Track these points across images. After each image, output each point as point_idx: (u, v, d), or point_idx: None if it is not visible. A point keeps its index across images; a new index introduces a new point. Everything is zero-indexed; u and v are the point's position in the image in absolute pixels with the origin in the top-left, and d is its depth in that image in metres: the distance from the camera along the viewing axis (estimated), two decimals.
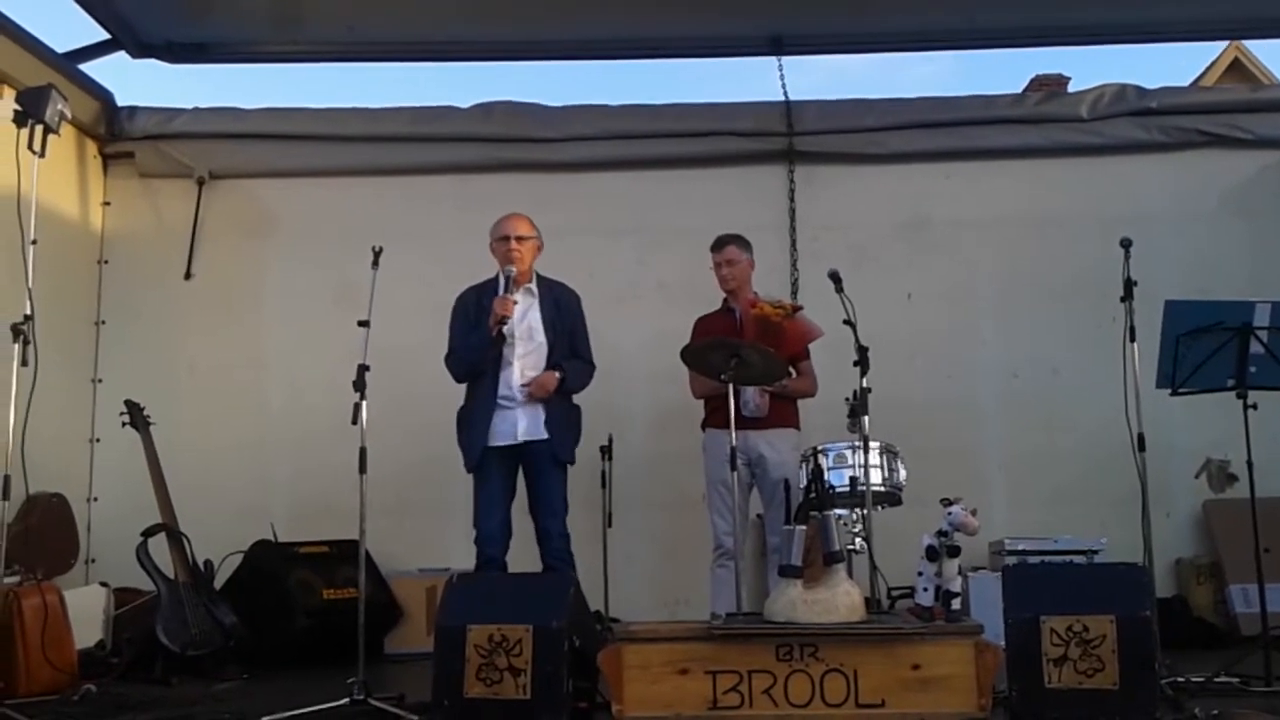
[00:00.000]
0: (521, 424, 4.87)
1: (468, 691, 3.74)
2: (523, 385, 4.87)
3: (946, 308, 6.53)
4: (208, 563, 5.41)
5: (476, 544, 4.86)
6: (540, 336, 4.96)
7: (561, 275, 5.18)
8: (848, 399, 4.70)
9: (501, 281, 4.91)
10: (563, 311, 5.05)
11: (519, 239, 4.96)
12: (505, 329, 4.86)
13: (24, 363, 4.32)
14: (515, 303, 4.88)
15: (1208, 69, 13.48)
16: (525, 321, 4.96)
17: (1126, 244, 4.54)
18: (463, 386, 5.05)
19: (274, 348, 6.67)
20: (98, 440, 6.46)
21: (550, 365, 4.94)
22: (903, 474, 4.83)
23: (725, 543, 5.05)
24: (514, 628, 3.75)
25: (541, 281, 5.08)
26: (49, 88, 4.64)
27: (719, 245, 5.34)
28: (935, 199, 6.65)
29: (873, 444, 4.66)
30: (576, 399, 5.08)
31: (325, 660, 5.07)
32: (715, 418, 5.15)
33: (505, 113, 6.86)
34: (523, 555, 4.93)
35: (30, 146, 4.50)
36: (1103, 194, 6.49)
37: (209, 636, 5.17)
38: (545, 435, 4.87)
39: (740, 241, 5.34)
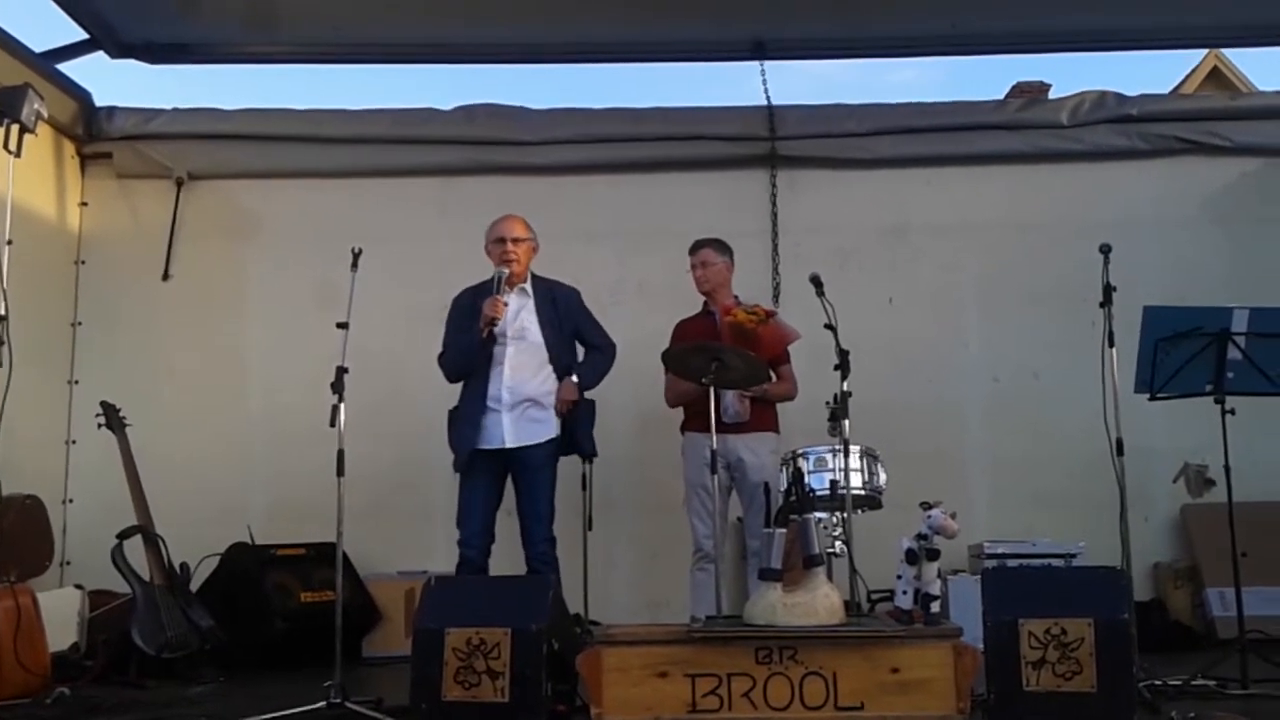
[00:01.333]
0: (508, 429, 4.85)
1: (446, 695, 3.73)
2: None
3: (928, 312, 6.55)
4: (184, 565, 5.38)
5: (458, 545, 4.84)
6: (534, 337, 4.94)
7: None
8: (828, 403, 4.71)
9: (495, 283, 4.89)
10: (561, 310, 5.04)
11: (514, 240, 4.95)
12: (496, 330, 4.85)
13: None
14: (506, 304, 4.87)
15: (1187, 77, 13.55)
16: (518, 322, 4.94)
17: (1106, 250, 4.56)
18: (443, 389, 5.03)
19: (252, 349, 6.63)
20: (73, 442, 6.40)
21: (553, 364, 4.94)
22: (883, 477, 4.83)
23: (705, 546, 5.05)
24: (492, 630, 3.74)
25: (538, 282, 5.07)
26: (25, 87, 4.62)
27: (695, 248, 5.36)
28: (917, 204, 6.67)
29: (853, 447, 4.65)
30: (593, 391, 5.08)
31: (302, 663, 5.05)
32: (694, 421, 5.15)
33: (487, 115, 6.84)
34: (507, 557, 4.92)
35: (6, 146, 4.50)
36: (1083, 200, 6.52)
37: (185, 639, 5.13)
38: (532, 441, 4.86)
39: (717, 245, 5.34)
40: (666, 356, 4.91)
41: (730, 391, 5.02)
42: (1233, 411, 4.45)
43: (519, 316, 4.95)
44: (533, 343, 4.94)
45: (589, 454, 5.13)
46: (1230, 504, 4.46)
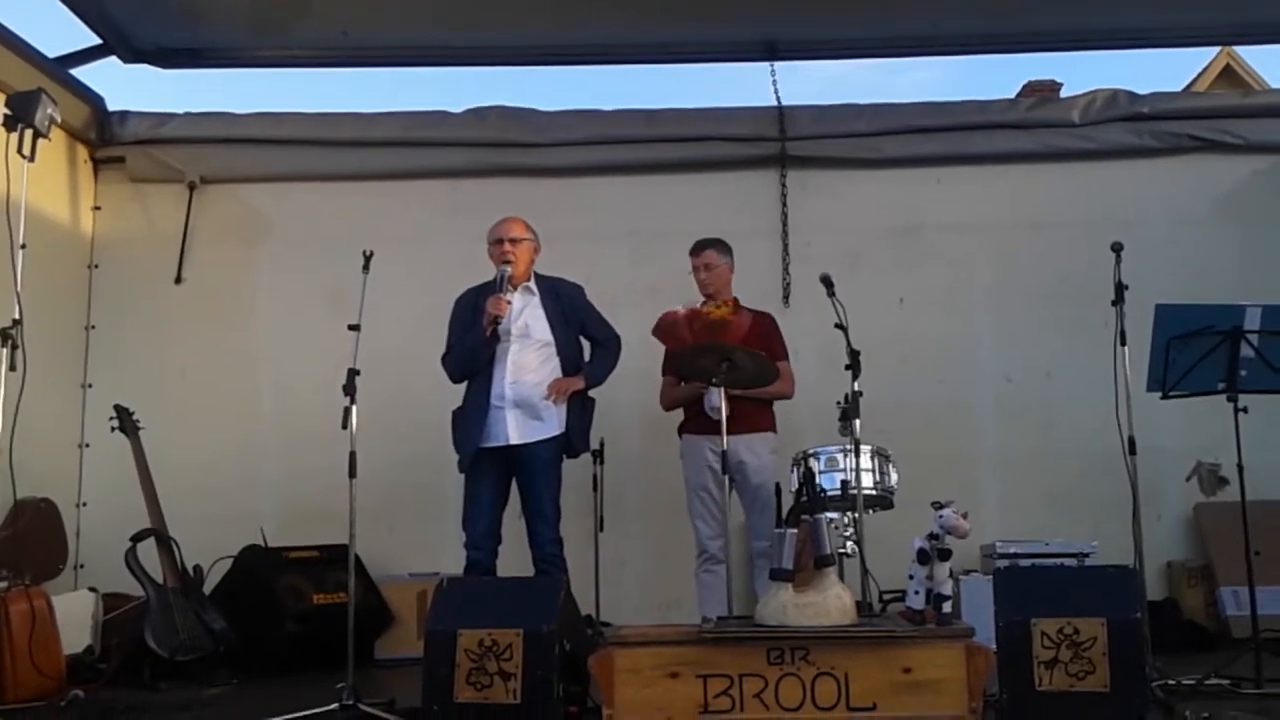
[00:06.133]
0: (512, 426, 4.85)
1: (458, 696, 3.73)
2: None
3: (939, 312, 6.54)
4: (197, 568, 5.40)
5: (465, 548, 4.84)
6: (542, 335, 4.94)
7: None
8: (839, 402, 4.70)
9: (497, 282, 4.91)
10: (566, 306, 5.05)
11: (513, 241, 4.96)
12: (500, 329, 4.85)
13: (12, 367, 4.32)
14: (509, 303, 4.87)
15: (1199, 75, 13.51)
16: (521, 320, 4.94)
17: (1118, 248, 4.57)
18: (454, 390, 5.04)
19: (264, 352, 6.65)
20: (87, 445, 6.43)
21: (561, 360, 4.95)
22: (894, 477, 4.82)
23: (709, 547, 5.05)
24: (504, 632, 3.75)
25: (541, 280, 5.08)
26: (39, 92, 4.64)
27: (697, 249, 5.32)
28: (928, 204, 6.67)
29: (864, 447, 4.66)
30: (604, 393, 5.10)
31: (315, 665, 5.08)
32: (691, 424, 5.15)
33: (498, 117, 6.85)
34: (517, 558, 4.92)
35: (20, 151, 4.51)
36: (1095, 199, 6.51)
37: (198, 642, 5.14)
38: (536, 438, 4.86)
39: (719, 245, 5.32)
40: (675, 357, 4.90)
41: (715, 391, 4.89)
42: (1245, 410, 4.44)
43: (522, 315, 4.96)
44: (537, 340, 4.94)
45: (579, 452, 5.06)
46: (1244, 502, 4.44)
